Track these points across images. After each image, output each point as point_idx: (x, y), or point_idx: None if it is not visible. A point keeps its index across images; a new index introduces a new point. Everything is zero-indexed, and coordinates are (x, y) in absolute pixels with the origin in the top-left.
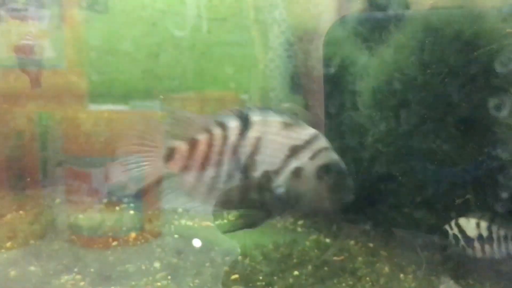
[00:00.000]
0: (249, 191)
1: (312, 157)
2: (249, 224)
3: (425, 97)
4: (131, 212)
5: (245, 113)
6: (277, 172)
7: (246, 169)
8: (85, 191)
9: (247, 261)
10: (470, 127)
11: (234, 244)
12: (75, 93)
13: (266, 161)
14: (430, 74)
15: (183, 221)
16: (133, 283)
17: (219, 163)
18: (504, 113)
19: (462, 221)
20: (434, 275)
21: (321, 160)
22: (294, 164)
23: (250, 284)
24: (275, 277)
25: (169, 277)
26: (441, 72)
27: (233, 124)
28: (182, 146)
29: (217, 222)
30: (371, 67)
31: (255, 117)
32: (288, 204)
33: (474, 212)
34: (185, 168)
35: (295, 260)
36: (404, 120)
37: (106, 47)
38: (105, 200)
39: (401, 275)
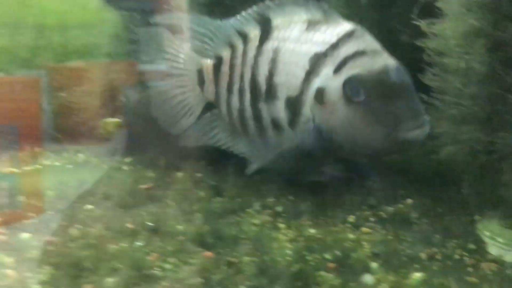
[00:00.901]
0: (278, 130)
1: (338, 69)
2: (287, 176)
3: None
4: None
5: (266, 15)
6: (298, 99)
7: (268, 97)
8: None
9: None
10: None
11: None
12: None
13: (286, 84)
14: None
15: None
16: None
17: (241, 90)
18: None
19: None
20: (251, 195)
21: (350, 70)
22: (315, 83)
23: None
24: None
25: None
26: None
27: (253, 34)
28: (208, 66)
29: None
30: None
31: (276, 18)
32: (320, 147)
33: None
34: (217, 95)
35: (97, 196)
36: None
37: None
38: None
39: (217, 198)
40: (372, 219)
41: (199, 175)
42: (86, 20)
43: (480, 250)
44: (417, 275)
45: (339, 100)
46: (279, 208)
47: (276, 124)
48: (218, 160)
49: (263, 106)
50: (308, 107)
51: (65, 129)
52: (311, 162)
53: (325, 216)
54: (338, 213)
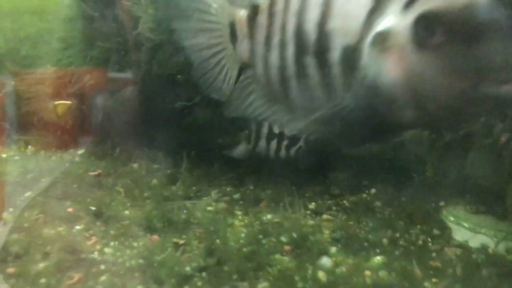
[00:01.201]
0: (329, 91)
1: (408, 4)
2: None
3: None
4: None
5: None
6: (357, 47)
7: (318, 49)
8: None
9: None
10: None
11: None
12: None
13: (343, 29)
14: None
15: None
16: None
17: (283, 43)
18: None
19: None
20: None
21: (424, 5)
22: (377, 26)
23: None
24: None
25: None
26: None
27: None
28: (242, 18)
29: None
30: None
31: None
32: (377, 109)
33: None
34: (252, 52)
35: (40, 184)
36: None
37: None
38: None
39: (171, 186)
40: (334, 207)
41: (156, 166)
42: (39, 5)
43: (445, 236)
44: (378, 258)
45: (407, 44)
46: (237, 196)
47: (326, 84)
48: (178, 151)
49: (310, 62)
50: (368, 58)
51: (18, 121)
52: (362, 131)
53: (286, 204)
54: (299, 201)
